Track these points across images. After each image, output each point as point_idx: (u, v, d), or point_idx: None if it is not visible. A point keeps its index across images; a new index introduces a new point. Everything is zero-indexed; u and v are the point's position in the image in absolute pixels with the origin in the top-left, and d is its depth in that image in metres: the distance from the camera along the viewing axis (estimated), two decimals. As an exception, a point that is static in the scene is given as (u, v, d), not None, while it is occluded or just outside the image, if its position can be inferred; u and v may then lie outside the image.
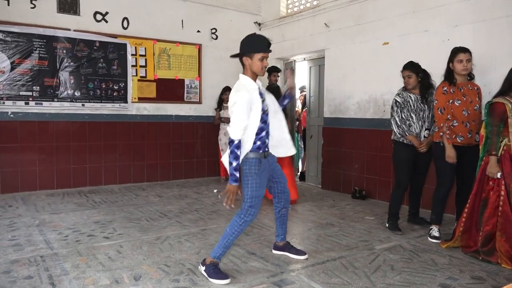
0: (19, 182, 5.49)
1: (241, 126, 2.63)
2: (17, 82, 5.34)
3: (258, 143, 2.80)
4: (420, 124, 3.92)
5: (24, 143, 5.51)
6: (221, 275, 2.70)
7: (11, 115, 5.40)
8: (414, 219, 4.24)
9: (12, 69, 5.29)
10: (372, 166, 5.48)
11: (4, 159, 5.38)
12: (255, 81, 2.81)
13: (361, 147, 5.62)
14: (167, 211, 4.64)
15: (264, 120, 2.80)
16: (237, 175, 2.65)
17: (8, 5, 5.29)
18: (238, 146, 2.65)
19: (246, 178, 2.77)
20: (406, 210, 4.36)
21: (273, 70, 6.19)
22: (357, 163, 5.69)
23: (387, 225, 4.03)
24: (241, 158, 2.70)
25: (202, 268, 2.79)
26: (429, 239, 3.67)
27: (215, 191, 5.88)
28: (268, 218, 4.39)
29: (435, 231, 3.68)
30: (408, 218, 4.29)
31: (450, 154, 3.56)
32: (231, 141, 2.64)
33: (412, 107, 3.92)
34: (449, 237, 3.64)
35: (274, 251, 3.30)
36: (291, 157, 5.27)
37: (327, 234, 3.85)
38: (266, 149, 2.89)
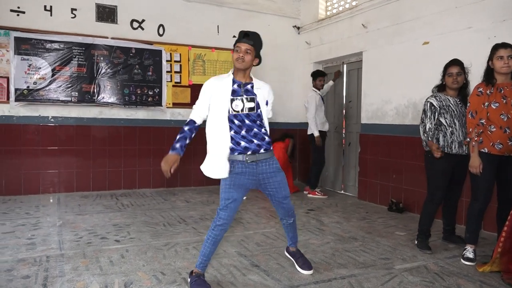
0: (58, 183, 5.75)
1: (194, 107, 2.70)
2: (57, 88, 5.62)
3: (230, 144, 2.63)
4: (463, 131, 3.47)
5: (63, 146, 5.76)
6: (202, 287, 2.52)
7: (51, 120, 5.69)
8: (449, 237, 3.77)
9: (53, 75, 5.58)
10: (411, 177, 5.02)
11: (45, 161, 5.66)
12: (236, 74, 2.71)
13: (399, 156, 5.19)
14: (188, 217, 4.57)
15: (231, 120, 2.63)
16: (176, 146, 2.62)
17: (51, 15, 5.61)
18: (187, 123, 2.68)
19: (221, 179, 2.68)
20: (440, 226, 3.91)
21: (318, 75, 5.87)
22: (395, 173, 5.26)
23: (416, 242, 3.62)
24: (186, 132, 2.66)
25: (189, 279, 2.66)
26: (462, 260, 3.23)
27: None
28: (287, 228, 4.16)
29: (469, 252, 3.24)
30: (443, 236, 3.83)
31: (473, 164, 3.14)
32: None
33: (455, 112, 3.47)
34: (488, 259, 3.18)
35: (285, 253, 3.20)
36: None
37: (345, 249, 3.54)
38: (249, 153, 2.66)
